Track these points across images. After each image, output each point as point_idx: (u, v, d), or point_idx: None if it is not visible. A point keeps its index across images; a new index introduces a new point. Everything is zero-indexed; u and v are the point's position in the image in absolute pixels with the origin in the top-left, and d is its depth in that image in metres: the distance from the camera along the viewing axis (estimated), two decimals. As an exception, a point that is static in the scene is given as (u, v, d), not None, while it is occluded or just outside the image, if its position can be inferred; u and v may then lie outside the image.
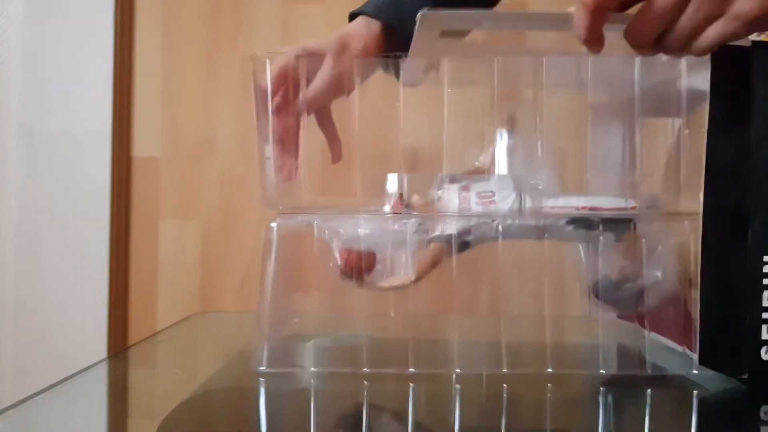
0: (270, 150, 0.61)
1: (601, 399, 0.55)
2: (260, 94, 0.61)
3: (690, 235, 0.55)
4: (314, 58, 0.62)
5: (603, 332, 0.58)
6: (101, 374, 0.62)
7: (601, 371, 0.58)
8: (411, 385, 0.56)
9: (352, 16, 0.67)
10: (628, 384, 0.57)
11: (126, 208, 1.13)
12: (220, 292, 1.12)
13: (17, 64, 1.09)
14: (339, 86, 0.62)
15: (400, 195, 0.60)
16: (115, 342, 1.10)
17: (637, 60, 0.57)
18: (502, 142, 0.60)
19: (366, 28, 0.65)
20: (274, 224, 0.59)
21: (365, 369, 0.57)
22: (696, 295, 0.52)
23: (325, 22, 1.12)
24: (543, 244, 0.59)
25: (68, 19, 1.10)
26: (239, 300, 1.12)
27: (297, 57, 0.61)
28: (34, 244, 1.09)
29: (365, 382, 0.57)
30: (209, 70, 1.13)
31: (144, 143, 1.13)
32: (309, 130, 0.63)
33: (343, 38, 0.64)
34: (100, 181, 1.09)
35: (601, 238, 0.58)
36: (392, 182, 0.60)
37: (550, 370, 0.57)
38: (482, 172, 0.61)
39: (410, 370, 0.57)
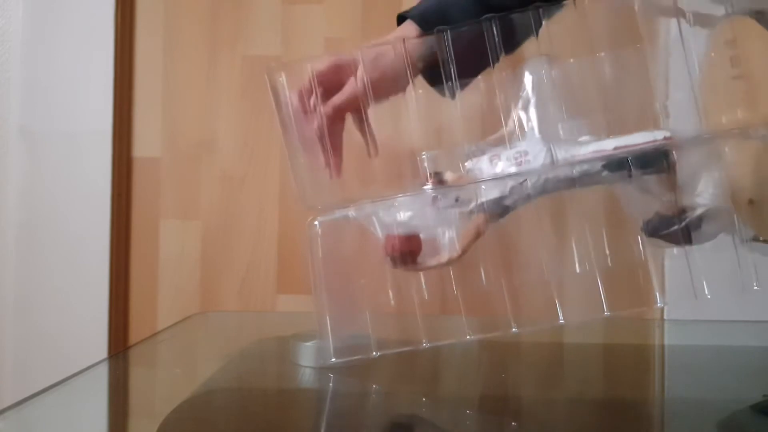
0: (306, 152, 0.61)
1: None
2: (294, 99, 0.60)
3: (743, 152, 0.54)
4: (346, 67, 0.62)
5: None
6: (101, 374, 0.62)
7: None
8: (483, 354, 0.55)
9: (400, 18, 0.68)
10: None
11: (126, 208, 1.13)
12: (220, 292, 1.12)
13: (17, 64, 1.09)
14: (373, 94, 0.62)
15: (433, 173, 0.59)
16: (115, 342, 1.10)
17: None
18: (526, 100, 0.60)
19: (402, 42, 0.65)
20: (316, 222, 0.59)
21: (425, 344, 0.57)
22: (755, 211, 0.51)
23: (325, 22, 1.12)
24: (586, 196, 0.58)
25: (68, 19, 1.10)
26: (239, 300, 1.12)
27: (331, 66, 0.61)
28: (35, 244, 1.09)
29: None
30: (209, 70, 1.13)
31: (144, 143, 1.13)
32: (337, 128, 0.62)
33: (379, 52, 0.64)
34: (100, 181, 1.09)
35: (644, 176, 0.56)
36: (423, 162, 0.60)
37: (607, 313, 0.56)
38: (508, 136, 0.61)
39: (468, 337, 0.56)
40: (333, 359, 0.57)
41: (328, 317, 0.57)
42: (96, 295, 1.09)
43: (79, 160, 1.09)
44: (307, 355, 0.61)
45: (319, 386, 0.58)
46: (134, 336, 1.13)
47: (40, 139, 1.10)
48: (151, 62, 1.13)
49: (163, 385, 0.61)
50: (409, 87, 0.62)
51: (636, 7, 0.56)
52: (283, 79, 0.61)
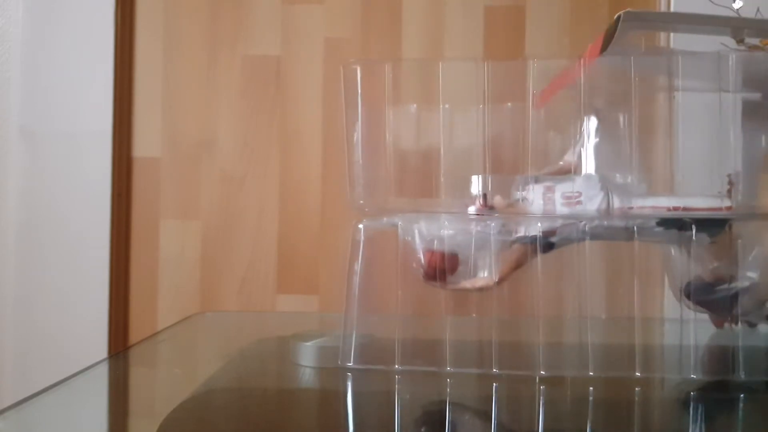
0: (360, 154, 0.61)
1: (691, 404, 0.54)
2: (351, 99, 0.60)
3: None
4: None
5: (694, 334, 0.57)
6: (101, 374, 0.62)
7: (692, 376, 0.56)
8: (495, 385, 0.56)
9: None
10: (720, 389, 0.56)
11: (126, 208, 1.13)
12: (221, 292, 1.12)
13: (17, 64, 1.09)
14: None
15: (484, 196, 0.59)
16: (115, 342, 1.10)
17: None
18: (588, 140, 0.59)
19: None
20: (361, 225, 0.60)
21: (449, 368, 0.57)
22: None
23: (325, 22, 1.12)
24: (629, 244, 0.57)
25: (68, 19, 1.10)
26: (239, 300, 1.12)
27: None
28: (35, 244, 1.09)
29: (448, 380, 0.57)
30: (209, 70, 1.13)
31: (144, 143, 1.13)
32: (394, 132, 0.62)
33: None
34: (100, 181, 1.09)
35: (694, 239, 0.56)
36: (475, 184, 0.60)
37: (638, 374, 0.56)
38: (567, 172, 0.60)
39: (494, 370, 0.57)
40: (350, 363, 0.57)
41: (356, 319, 0.57)
42: (96, 295, 1.09)
43: (79, 160, 1.09)
44: (307, 355, 0.61)
45: (320, 386, 0.58)
46: (134, 336, 1.13)
47: (40, 139, 1.10)
48: (151, 62, 1.13)
49: (163, 385, 0.61)
50: (478, 107, 0.61)
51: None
52: (358, 74, 0.60)
